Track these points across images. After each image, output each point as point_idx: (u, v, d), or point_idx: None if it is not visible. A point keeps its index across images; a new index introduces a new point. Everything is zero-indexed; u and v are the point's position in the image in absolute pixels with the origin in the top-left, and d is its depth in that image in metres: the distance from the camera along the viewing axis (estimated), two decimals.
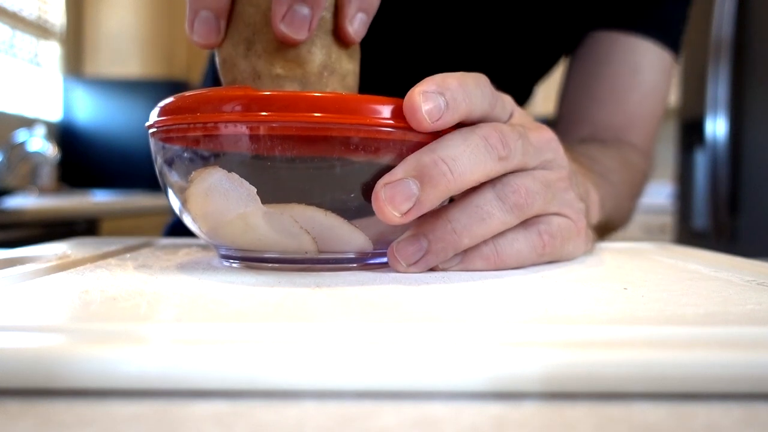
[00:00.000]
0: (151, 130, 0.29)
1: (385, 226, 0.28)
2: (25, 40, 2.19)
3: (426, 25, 0.58)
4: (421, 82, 0.26)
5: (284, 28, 0.27)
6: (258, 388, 0.14)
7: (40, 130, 1.97)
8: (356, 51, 0.31)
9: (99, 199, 1.87)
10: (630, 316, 0.19)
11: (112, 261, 0.31)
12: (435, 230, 0.27)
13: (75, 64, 2.51)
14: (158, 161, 0.29)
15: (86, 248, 0.35)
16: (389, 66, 0.55)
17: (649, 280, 0.27)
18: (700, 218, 1.72)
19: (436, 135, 0.27)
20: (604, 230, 0.49)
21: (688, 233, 1.81)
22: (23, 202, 1.54)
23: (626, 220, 0.57)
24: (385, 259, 0.29)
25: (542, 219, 0.30)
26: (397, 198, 0.25)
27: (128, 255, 0.33)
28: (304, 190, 0.27)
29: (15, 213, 1.29)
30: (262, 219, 0.27)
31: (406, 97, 0.26)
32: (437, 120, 0.26)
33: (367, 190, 0.26)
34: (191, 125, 0.26)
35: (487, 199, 0.28)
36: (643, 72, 0.57)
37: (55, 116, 2.39)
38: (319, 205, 0.27)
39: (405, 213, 0.26)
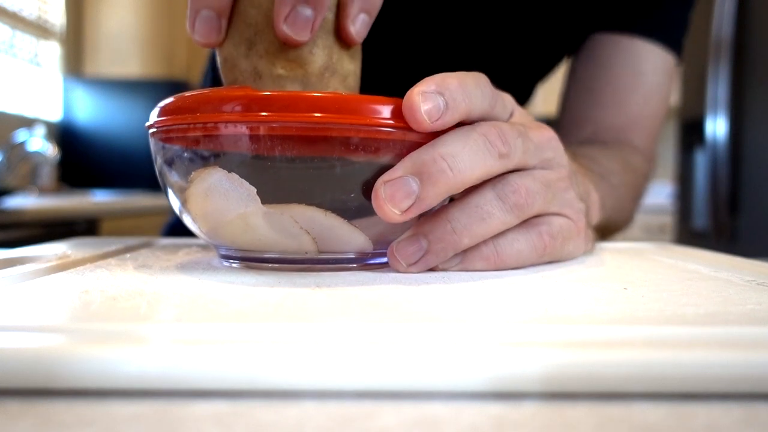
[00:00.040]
0: (151, 130, 0.29)
1: (385, 226, 0.28)
2: (25, 40, 2.19)
3: (427, 24, 0.58)
4: (421, 82, 0.26)
5: (287, 29, 0.27)
6: (258, 388, 0.14)
7: (40, 130, 1.97)
8: (358, 51, 0.31)
9: (99, 199, 1.87)
10: (630, 316, 0.19)
11: (112, 261, 0.31)
12: (435, 230, 0.27)
13: (75, 64, 2.51)
14: (158, 161, 0.29)
15: (86, 248, 0.35)
16: (389, 66, 0.55)
17: (649, 280, 0.27)
18: (700, 218, 1.72)
19: (436, 135, 0.27)
20: (605, 231, 0.49)
21: (688, 233, 1.81)
22: (23, 202, 1.54)
23: (627, 222, 0.57)
24: (385, 259, 0.29)
25: (542, 219, 0.30)
26: (397, 195, 0.25)
27: (128, 255, 0.33)
28: (304, 190, 0.27)
29: (15, 213, 1.29)
30: (262, 219, 0.27)
31: (405, 97, 0.26)
32: (437, 120, 0.26)
33: (367, 190, 0.26)
34: (191, 125, 0.26)
35: (487, 199, 0.28)
36: (645, 74, 0.57)
37: (55, 116, 2.39)
38: (319, 206, 0.26)
39: (405, 211, 0.26)
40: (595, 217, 0.41)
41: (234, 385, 0.14)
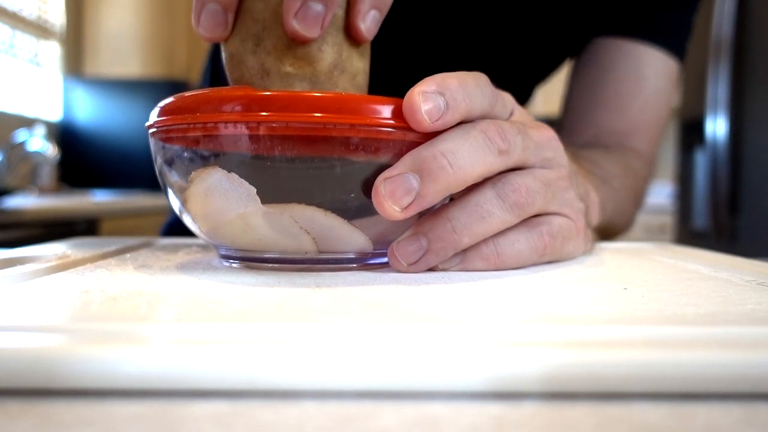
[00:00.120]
0: (151, 130, 0.29)
1: (385, 226, 0.28)
2: (25, 40, 2.19)
3: (429, 24, 0.58)
4: (421, 82, 0.26)
5: (296, 25, 0.27)
6: (258, 388, 0.14)
7: (40, 130, 1.97)
8: (367, 49, 0.31)
9: (99, 199, 1.87)
10: (630, 316, 0.19)
11: (112, 261, 0.31)
12: (435, 229, 0.27)
13: (75, 64, 2.51)
14: (158, 161, 0.29)
15: (86, 248, 0.35)
16: (391, 65, 0.55)
17: (649, 280, 0.27)
18: (700, 218, 1.72)
19: (436, 135, 0.26)
20: (605, 234, 0.49)
21: (688, 233, 1.81)
22: (23, 202, 1.54)
23: (627, 225, 0.57)
24: (385, 259, 0.29)
25: (542, 219, 0.30)
26: (397, 192, 0.25)
27: (128, 255, 0.33)
28: (304, 190, 0.27)
29: (15, 213, 1.29)
30: (262, 219, 0.27)
31: (405, 97, 0.26)
32: (437, 120, 0.26)
33: (368, 190, 0.26)
34: (191, 125, 0.26)
35: (487, 198, 0.28)
36: (647, 78, 0.57)
37: (55, 116, 2.39)
38: (319, 205, 0.26)
39: (405, 208, 0.26)
40: (595, 218, 0.41)
41: (234, 385, 0.14)
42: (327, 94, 0.26)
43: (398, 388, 0.15)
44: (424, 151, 0.26)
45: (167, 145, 0.28)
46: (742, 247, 1.53)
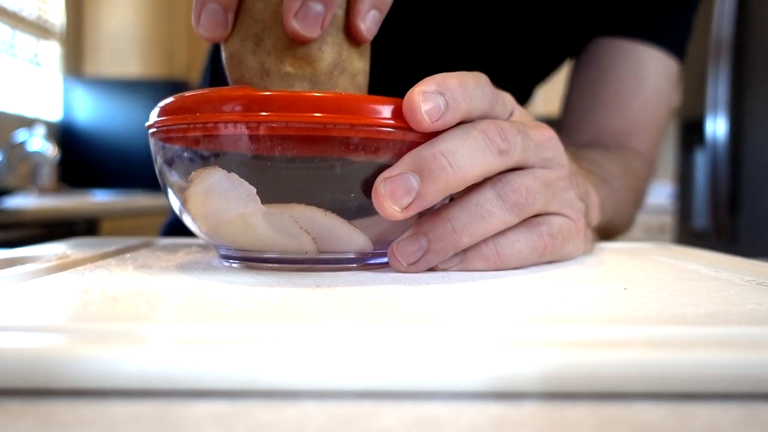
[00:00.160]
0: (151, 130, 0.29)
1: (385, 226, 0.28)
2: (25, 40, 2.19)
3: (429, 24, 0.58)
4: (421, 82, 0.26)
5: (296, 25, 0.27)
6: (258, 388, 0.14)
7: (40, 130, 1.97)
8: (367, 49, 0.31)
9: (99, 199, 1.87)
10: (630, 316, 0.19)
11: (112, 261, 0.31)
12: (434, 229, 0.27)
13: (75, 64, 2.51)
14: (158, 161, 0.29)
15: (86, 248, 0.35)
16: (392, 65, 0.55)
17: (649, 280, 0.27)
18: (700, 218, 1.72)
19: (436, 135, 0.26)
20: (605, 234, 0.49)
21: (688, 233, 1.81)
22: (23, 202, 1.54)
23: (627, 225, 0.57)
24: (385, 259, 0.29)
25: (542, 219, 0.30)
26: (397, 192, 0.25)
27: (128, 255, 0.33)
28: (304, 190, 0.27)
29: (15, 213, 1.29)
30: (262, 219, 0.27)
31: (405, 98, 0.26)
32: (437, 120, 0.26)
33: (368, 190, 0.26)
34: (191, 125, 0.26)
35: (487, 198, 0.28)
36: (647, 78, 0.57)
37: (55, 116, 2.39)
38: (319, 205, 0.26)
39: (405, 208, 0.26)
40: (595, 218, 0.41)
41: (234, 385, 0.14)
42: (327, 94, 0.26)
43: (398, 388, 0.15)
44: (424, 151, 0.26)
45: (167, 145, 0.28)
46: (742, 247, 1.53)
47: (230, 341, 0.15)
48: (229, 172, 0.26)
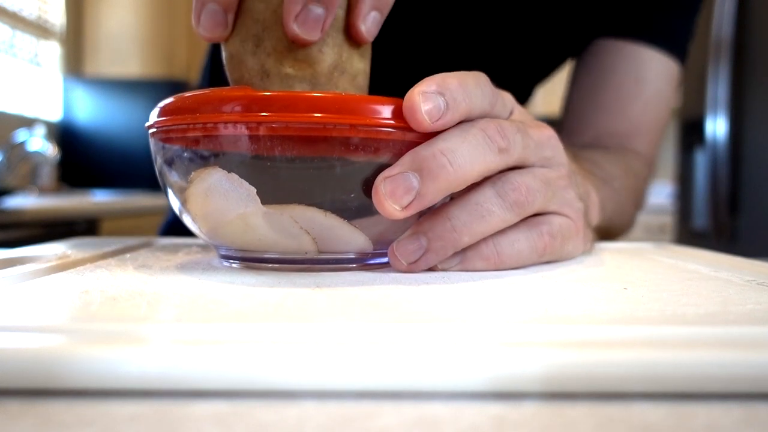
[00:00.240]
0: (151, 131, 0.29)
1: (385, 226, 0.28)
2: (25, 40, 2.19)
3: (430, 24, 0.58)
4: (421, 82, 0.26)
5: (297, 28, 0.26)
6: (258, 388, 0.14)
7: (40, 130, 1.97)
8: (367, 50, 0.31)
9: (99, 199, 1.87)
10: (630, 316, 0.19)
11: (112, 261, 0.31)
12: (434, 228, 0.27)
13: (75, 64, 2.51)
14: (158, 161, 0.29)
15: (86, 248, 0.35)
16: (392, 66, 0.55)
17: (649, 280, 0.27)
18: (700, 218, 1.72)
19: (436, 135, 0.26)
20: (606, 235, 0.49)
21: (688, 233, 1.81)
22: (23, 202, 1.54)
23: (628, 226, 0.57)
24: (385, 259, 0.29)
25: (542, 219, 0.30)
26: (397, 192, 0.25)
27: (128, 255, 0.33)
28: (304, 190, 0.27)
29: (15, 213, 1.29)
30: (262, 219, 0.27)
31: (405, 98, 0.26)
32: (437, 120, 0.26)
33: (368, 190, 0.26)
34: (191, 125, 0.26)
35: (486, 197, 0.28)
36: (648, 80, 0.57)
37: (55, 116, 2.39)
38: (319, 206, 0.26)
39: (406, 207, 0.26)
40: (595, 218, 0.41)
41: (234, 385, 0.14)
42: (327, 95, 0.26)
43: (398, 388, 0.15)
44: (423, 150, 0.26)
45: (167, 146, 0.28)
46: (742, 247, 1.53)
47: (230, 341, 0.15)
48: (229, 172, 0.26)
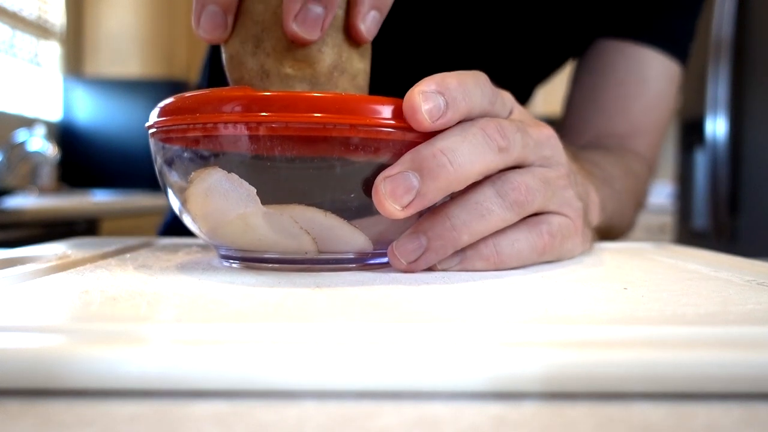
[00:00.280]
0: (151, 131, 0.29)
1: (385, 226, 0.28)
2: (25, 40, 2.19)
3: (430, 24, 0.58)
4: (421, 81, 0.26)
5: (296, 28, 0.26)
6: (258, 388, 0.14)
7: (40, 130, 1.97)
8: (367, 50, 0.31)
9: (99, 199, 1.87)
10: (630, 316, 0.19)
11: (112, 261, 0.31)
12: (434, 227, 0.27)
13: (75, 64, 2.51)
14: (158, 161, 0.29)
15: (86, 248, 0.35)
16: (392, 66, 0.55)
17: (649, 280, 0.27)
18: (700, 218, 1.72)
19: (436, 134, 0.27)
20: (606, 235, 0.49)
21: (688, 233, 1.81)
22: (23, 202, 1.54)
23: (628, 227, 0.57)
24: (385, 259, 0.29)
25: (542, 218, 0.30)
26: (397, 191, 0.25)
27: (128, 255, 0.33)
28: (304, 190, 0.27)
29: (15, 213, 1.29)
30: (262, 219, 0.27)
31: (405, 97, 0.26)
32: (437, 120, 0.26)
33: (368, 190, 0.26)
34: (191, 125, 0.26)
35: (486, 196, 0.28)
36: (649, 81, 0.57)
37: (55, 116, 2.39)
38: (319, 206, 0.26)
39: (406, 206, 0.26)
40: (595, 219, 0.41)
41: (234, 385, 0.14)
42: (327, 95, 0.26)
43: (398, 388, 0.15)
44: (423, 150, 0.26)
45: (167, 146, 0.28)
46: (742, 247, 1.53)
47: (230, 341, 0.15)
48: (229, 172, 0.26)
